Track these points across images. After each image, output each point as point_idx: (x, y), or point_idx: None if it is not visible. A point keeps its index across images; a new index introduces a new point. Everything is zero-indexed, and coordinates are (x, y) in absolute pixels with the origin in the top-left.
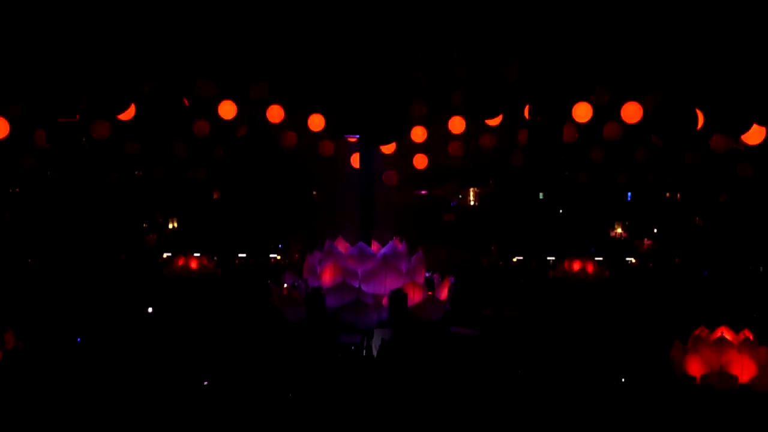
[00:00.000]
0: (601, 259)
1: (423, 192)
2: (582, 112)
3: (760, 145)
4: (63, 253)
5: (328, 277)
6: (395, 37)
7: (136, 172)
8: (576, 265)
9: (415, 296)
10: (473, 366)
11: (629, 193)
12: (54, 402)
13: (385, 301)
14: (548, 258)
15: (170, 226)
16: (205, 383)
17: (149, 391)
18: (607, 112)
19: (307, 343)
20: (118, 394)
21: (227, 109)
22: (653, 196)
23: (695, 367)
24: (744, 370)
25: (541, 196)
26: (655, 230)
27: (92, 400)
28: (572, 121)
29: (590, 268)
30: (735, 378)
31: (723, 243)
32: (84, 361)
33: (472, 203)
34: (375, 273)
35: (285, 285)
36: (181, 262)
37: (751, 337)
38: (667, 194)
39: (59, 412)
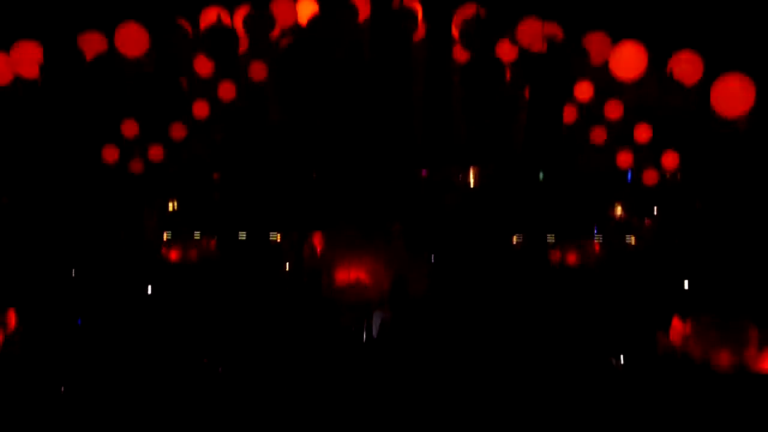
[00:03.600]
0: (600, 239)
1: (423, 173)
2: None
3: (760, 127)
4: (62, 234)
5: (328, 258)
6: None
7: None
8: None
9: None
10: (470, 348)
11: (629, 174)
12: (55, 385)
13: (385, 283)
14: (548, 239)
15: (170, 207)
16: (204, 361)
17: (150, 374)
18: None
19: (307, 326)
20: (120, 376)
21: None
22: (653, 177)
23: (694, 350)
24: (742, 354)
25: (541, 176)
26: (655, 211)
27: (93, 382)
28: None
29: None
30: (734, 361)
31: (723, 225)
32: (85, 343)
33: (472, 184)
34: (374, 255)
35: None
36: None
37: (750, 323)
38: (667, 175)
39: (60, 395)
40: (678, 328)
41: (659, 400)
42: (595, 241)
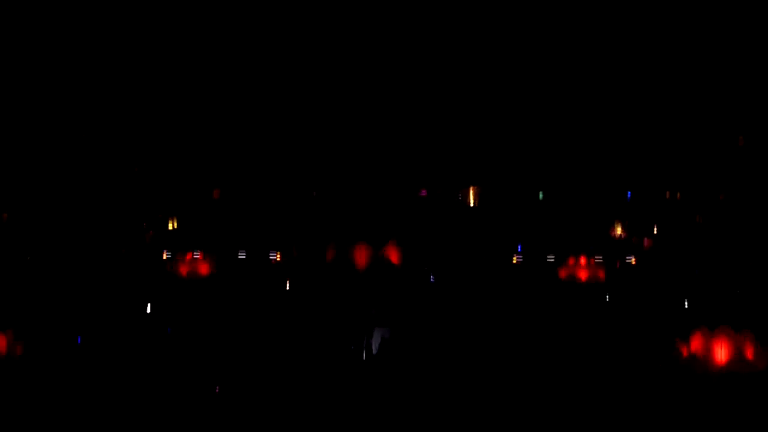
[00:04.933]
0: (600, 258)
1: (423, 192)
2: None
3: (759, 144)
4: (63, 250)
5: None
6: None
7: (136, 169)
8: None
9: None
10: (471, 364)
11: (629, 192)
12: (54, 400)
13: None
14: (548, 257)
15: (170, 225)
16: (210, 385)
17: (150, 388)
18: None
19: (308, 343)
20: (119, 392)
21: None
22: (653, 195)
23: (696, 366)
24: (743, 368)
25: (541, 196)
26: (655, 229)
27: (93, 398)
28: None
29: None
30: (735, 376)
31: (723, 241)
32: (84, 359)
33: (472, 203)
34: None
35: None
36: (183, 262)
37: (751, 337)
38: (667, 193)
39: (60, 411)
40: (680, 346)
41: (666, 407)
42: (595, 259)
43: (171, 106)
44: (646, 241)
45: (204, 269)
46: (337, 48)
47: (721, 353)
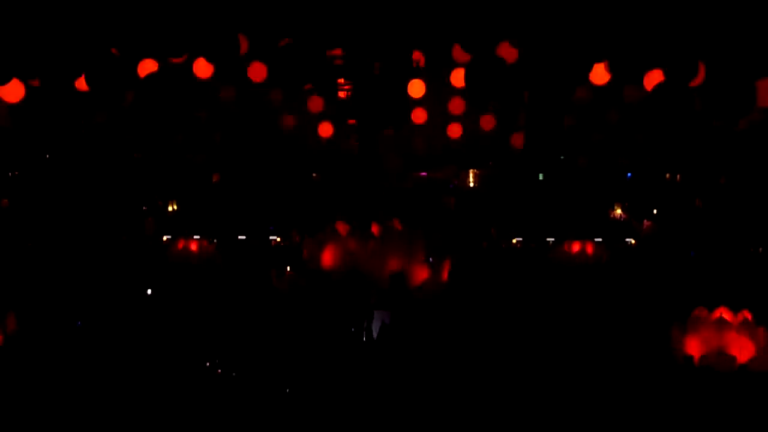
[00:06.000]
0: (600, 240)
1: (422, 174)
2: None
3: (760, 125)
4: (63, 236)
5: (328, 259)
6: (394, 18)
7: (135, 155)
8: (575, 248)
9: (416, 276)
10: (473, 349)
11: (629, 174)
12: (55, 388)
13: (384, 282)
14: (548, 239)
15: (170, 209)
16: (207, 366)
17: (149, 376)
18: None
19: (307, 325)
20: (119, 379)
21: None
22: (653, 177)
23: (694, 348)
24: (743, 350)
25: (540, 177)
26: (655, 211)
27: (93, 385)
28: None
29: (590, 249)
30: (734, 358)
31: (723, 224)
32: (85, 345)
33: (471, 185)
34: (375, 254)
35: (288, 268)
36: (181, 245)
37: (749, 318)
38: (667, 175)
39: (60, 398)
40: (678, 329)
41: (662, 401)
42: (595, 242)
43: (169, 94)
44: (645, 223)
45: (203, 252)
46: (336, 29)
47: (719, 335)
